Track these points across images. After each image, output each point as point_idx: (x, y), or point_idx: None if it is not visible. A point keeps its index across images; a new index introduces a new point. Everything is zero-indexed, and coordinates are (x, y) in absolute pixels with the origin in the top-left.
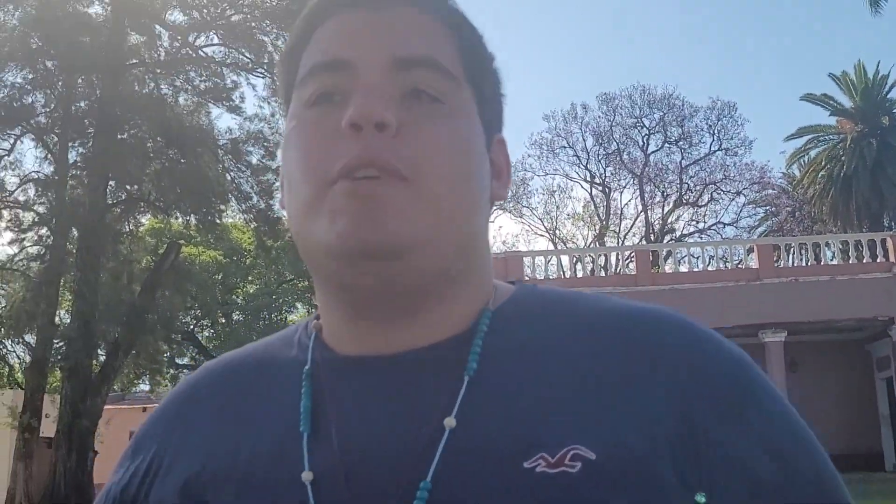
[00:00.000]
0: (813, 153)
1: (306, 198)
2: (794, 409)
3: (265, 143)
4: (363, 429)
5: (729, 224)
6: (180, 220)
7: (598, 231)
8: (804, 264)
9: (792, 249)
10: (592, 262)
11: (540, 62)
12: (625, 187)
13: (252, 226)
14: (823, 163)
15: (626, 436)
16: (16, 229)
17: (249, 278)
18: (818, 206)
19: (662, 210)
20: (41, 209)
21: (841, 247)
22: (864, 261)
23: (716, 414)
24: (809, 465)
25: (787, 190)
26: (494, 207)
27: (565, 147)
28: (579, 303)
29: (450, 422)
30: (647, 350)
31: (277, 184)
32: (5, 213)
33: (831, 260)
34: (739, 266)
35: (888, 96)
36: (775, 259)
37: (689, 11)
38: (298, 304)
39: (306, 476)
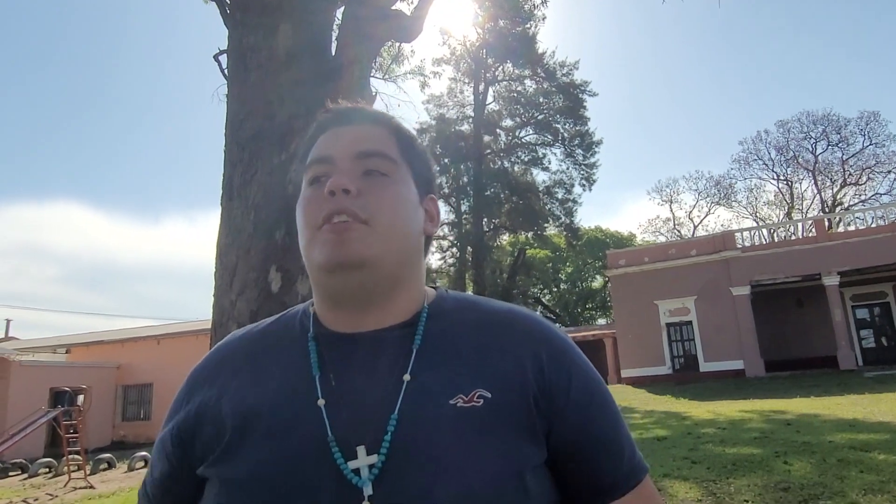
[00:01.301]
0: None
1: (307, 237)
2: (594, 370)
3: (565, 185)
4: (351, 379)
5: (884, 194)
6: (524, 235)
7: (786, 210)
8: None
9: None
10: (784, 230)
11: (729, 104)
12: (802, 179)
13: (563, 234)
14: None
15: (509, 383)
16: (440, 251)
17: (567, 263)
18: None
19: (832, 191)
20: (451, 238)
21: None
22: None
23: (555, 369)
24: (609, 404)
25: None
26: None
27: (756, 159)
28: (478, 302)
29: (406, 377)
30: (517, 330)
31: (576, 207)
32: (434, 242)
33: None
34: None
35: None
36: None
37: (837, 44)
38: (597, 276)
39: (321, 402)
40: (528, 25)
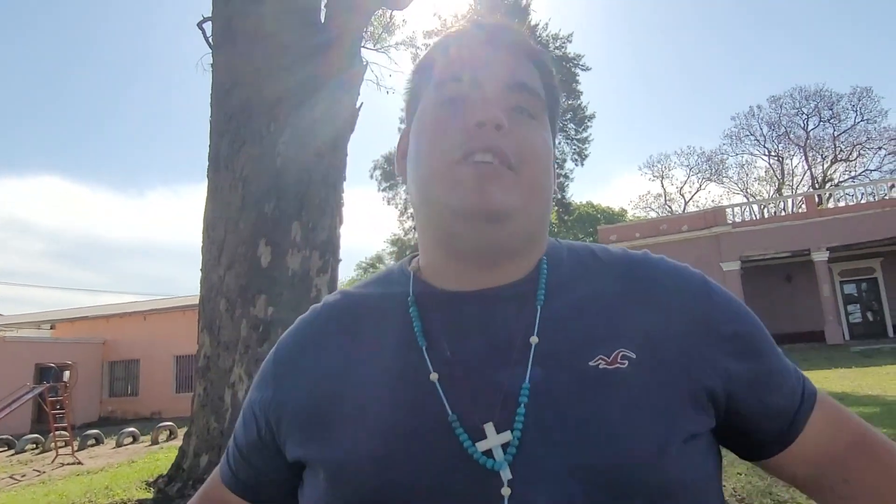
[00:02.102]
0: None
1: (435, 169)
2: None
3: (557, 160)
4: (467, 343)
5: (874, 170)
6: None
7: (777, 186)
8: None
9: None
10: (774, 206)
11: (723, 77)
12: (793, 155)
13: (555, 209)
14: None
15: (657, 341)
16: None
17: (558, 238)
18: None
19: (823, 168)
20: None
21: None
22: None
23: (702, 306)
24: (766, 336)
25: None
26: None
27: (748, 135)
28: (594, 250)
29: (534, 339)
30: (656, 281)
31: (568, 182)
32: None
33: None
34: (885, 198)
35: None
36: None
37: (829, 19)
38: None
39: (433, 376)
40: None
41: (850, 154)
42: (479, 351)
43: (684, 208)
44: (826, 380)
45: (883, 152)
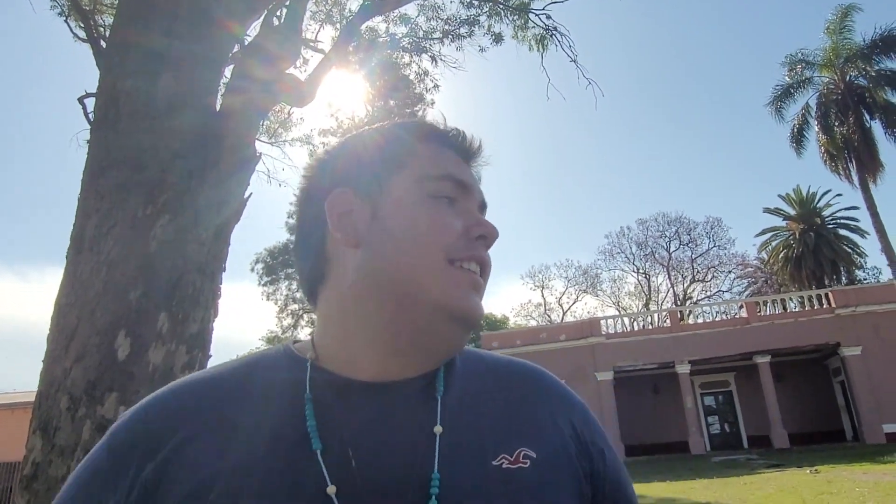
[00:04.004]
0: (774, 243)
1: (434, 263)
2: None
3: None
4: (371, 440)
5: (726, 291)
6: None
7: (645, 301)
8: (777, 312)
9: (768, 303)
10: (643, 320)
11: (598, 199)
12: (658, 273)
13: None
14: (782, 249)
15: (551, 443)
16: (311, 325)
17: None
18: (781, 276)
19: (683, 286)
20: None
21: (799, 300)
22: (815, 307)
23: (588, 431)
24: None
25: (761, 267)
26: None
27: (619, 252)
28: (482, 354)
29: (438, 429)
30: (542, 387)
31: None
32: (305, 316)
33: (794, 309)
34: (735, 316)
35: (816, 206)
36: (758, 310)
37: (692, 158)
38: None
39: (331, 489)
40: (418, 108)
41: (706, 275)
42: (387, 442)
43: (562, 318)
44: (692, 490)
45: (732, 275)
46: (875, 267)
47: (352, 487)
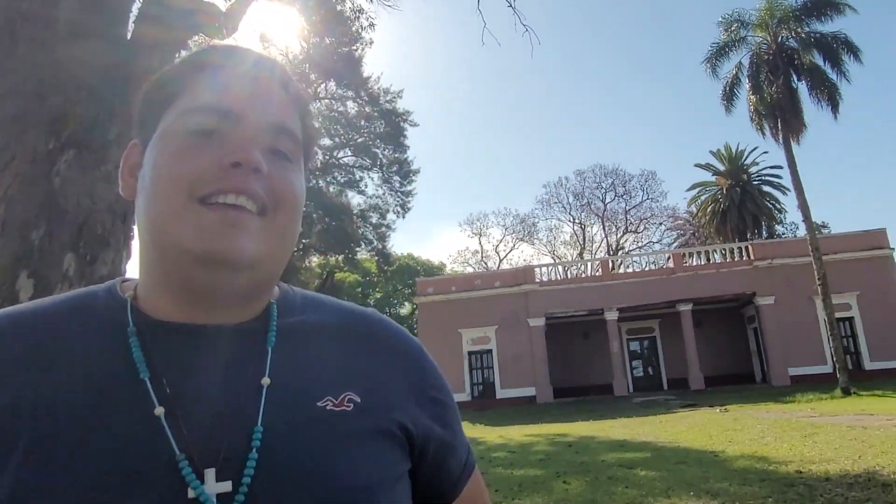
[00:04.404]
0: (703, 197)
1: (173, 208)
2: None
3: (380, 210)
4: (194, 380)
5: (656, 242)
6: (334, 258)
7: (579, 250)
8: (701, 263)
9: (693, 255)
10: (576, 269)
11: (537, 149)
12: (593, 224)
13: (375, 259)
14: (710, 203)
15: (377, 388)
16: None
17: (377, 289)
18: (708, 229)
19: (616, 237)
20: None
21: (722, 252)
22: (735, 259)
23: (419, 374)
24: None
25: (690, 220)
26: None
27: (556, 202)
28: (324, 301)
29: (266, 381)
30: (379, 335)
31: (390, 233)
32: None
33: (717, 260)
34: (663, 267)
35: (743, 163)
36: (684, 261)
37: (631, 109)
38: (406, 303)
39: (158, 410)
40: (355, 48)
41: (638, 227)
42: (208, 389)
43: (499, 265)
44: (612, 428)
45: (663, 227)
46: (793, 222)
47: (179, 416)
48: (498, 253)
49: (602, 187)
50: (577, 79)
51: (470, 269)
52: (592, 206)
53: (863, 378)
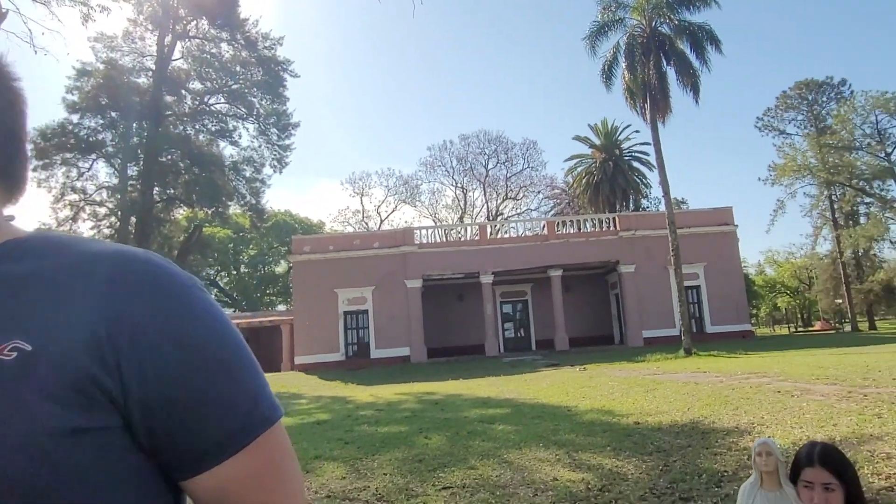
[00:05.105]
0: (578, 169)
1: None
2: (209, 316)
3: (255, 163)
4: None
5: (534, 210)
6: (203, 211)
7: (460, 214)
8: (573, 231)
9: (566, 223)
10: (455, 232)
11: (423, 112)
12: (475, 189)
13: (248, 214)
14: (584, 175)
15: (62, 335)
16: (94, 219)
17: (251, 245)
18: (582, 200)
19: (497, 203)
20: (111, 206)
21: (592, 222)
22: (604, 229)
23: (134, 314)
24: (214, 352)
25: (566, 190)
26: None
27: (440, 165)
28: (69, 244)
29: None
30: (94, 273)
31: (265, 188)
32: (87, 208)
33: (588, 229)
34: (538, 233)
35: (617, 139)
36: (558, 229)
37: (517, 78)
38: (281, 261)
39: None
40: None
41: (518, 194)
42: None
43: (380, 226)
44: (479, 386)
45: (541, 195)
46: (657, 197)
47: None
48: (379, 213)
49: (485, 153)
50: (466, 46)
51: (350, 229)
52: (475, 172)
53: (704, 340)
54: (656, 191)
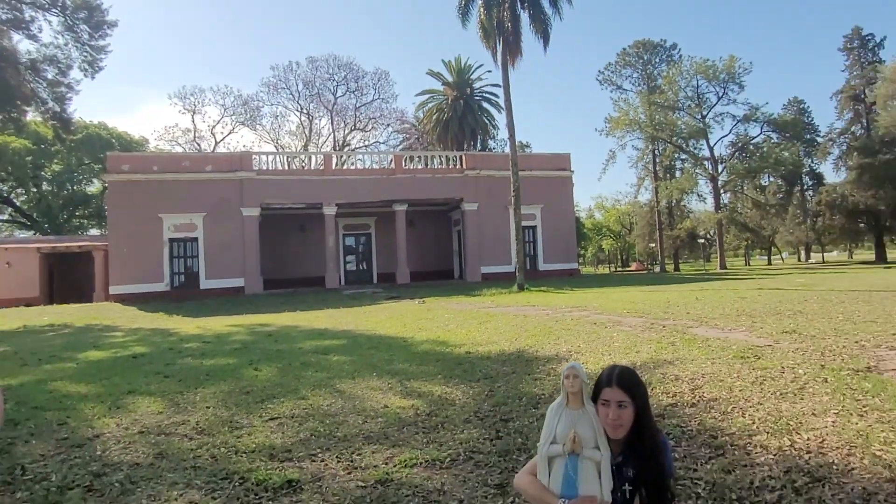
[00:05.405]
0: (430, 105)
1: None
2: None
3: (59, 65)
4: None
5: (383, 143)
6: None
7: (304, 142)
8: (420, 167)
9: (414, 159)
10: (299, 160)
11: (267, 27)
12: (322, 117)
13: (51, 124)
14: (435, 111)
15: None
16: None
17: (55, 160)
18: (431, 136)
19: (344, 133)
20: None
21: (440, 159)
22: (450, 167)
23: None
24: None
25: (416, 125)
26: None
27: (284, 88)
28: None
29: None
30: None
31: (72, 94)
32: None
33: (435, 166)
34: (385, 167)
35: (469, 78)
36: (405, 164)
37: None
38: (94, 180)
39: None
40: None
41: (367, 125)
42: None
43: (214, 148)
44: (317, 318)
45: (390, 129)
46: (503, 139)
47: None
48: (214, 135)
49: (334, 80)
50: None
51: (180, 149)
52: (322, 98)
53: (537, 277)
54: (503, 133)
